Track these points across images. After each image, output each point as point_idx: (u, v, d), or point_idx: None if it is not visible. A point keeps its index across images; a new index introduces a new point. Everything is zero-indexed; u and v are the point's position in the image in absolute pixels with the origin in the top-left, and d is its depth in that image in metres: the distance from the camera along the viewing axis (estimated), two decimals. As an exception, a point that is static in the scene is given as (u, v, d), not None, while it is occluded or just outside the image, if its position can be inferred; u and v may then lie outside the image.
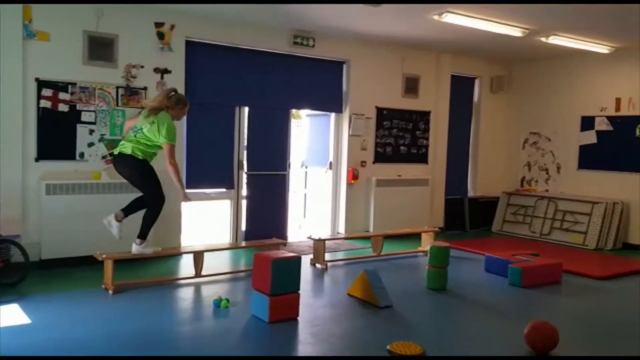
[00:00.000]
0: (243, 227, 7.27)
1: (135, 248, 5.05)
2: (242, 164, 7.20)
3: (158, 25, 6.35)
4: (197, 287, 5.25)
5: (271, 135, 7.45)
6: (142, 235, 5.03)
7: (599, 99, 8.34)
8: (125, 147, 4.86)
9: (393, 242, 7.42)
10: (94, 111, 5.97)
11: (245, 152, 7.24)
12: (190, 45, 6.63)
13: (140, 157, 4.84)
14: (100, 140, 6.03)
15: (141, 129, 4.85)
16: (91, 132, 5.97)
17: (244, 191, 7.26)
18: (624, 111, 8.05)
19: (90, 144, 6.00)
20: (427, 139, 8.77)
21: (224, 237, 7.25)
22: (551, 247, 7.74)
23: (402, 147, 8.54)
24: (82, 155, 5.94)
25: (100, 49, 5.99)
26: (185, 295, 5.06)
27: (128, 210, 4.96)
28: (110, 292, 4.86)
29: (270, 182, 7.46)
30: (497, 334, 4.22)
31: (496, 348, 3.89)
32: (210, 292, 5.02)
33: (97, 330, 3.93)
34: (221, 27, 6.74)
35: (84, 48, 5.90)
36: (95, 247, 5.26)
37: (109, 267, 4.91)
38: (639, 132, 7.85)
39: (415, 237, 7.51)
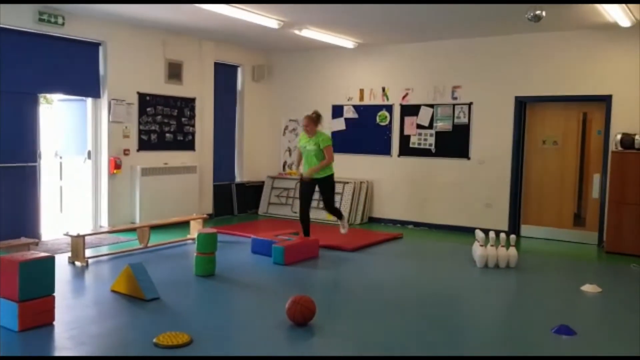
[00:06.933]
0: (-16, 227, 6.39)
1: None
2: (-20, 156, 6.30)
3: None
4: None
5: (16, 122, 6.64)
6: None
7: (346, 89, 9.29)
8: None
9: (161, 232, 7.29)
10: None
11: (-18, 142, 6.35)
12: None
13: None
14: None
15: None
16: None
17: (-16, 187, 6.38)
18: (367, 101, 9.12)
19: None
20: (193, 126, 8.74)
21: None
22: (310, 226, 8.40)
23: (167, 135, 8.36)
24: None
25: None
26: None
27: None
28: None
29: (17, 175, 6.66)
30: (261, 312, 4.46)
31: (260, 326, 4.12)
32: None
33: None
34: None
35: None
36: None
37: None
38: (379, 119, 9.00)
39: (185, 225, 7.48)
